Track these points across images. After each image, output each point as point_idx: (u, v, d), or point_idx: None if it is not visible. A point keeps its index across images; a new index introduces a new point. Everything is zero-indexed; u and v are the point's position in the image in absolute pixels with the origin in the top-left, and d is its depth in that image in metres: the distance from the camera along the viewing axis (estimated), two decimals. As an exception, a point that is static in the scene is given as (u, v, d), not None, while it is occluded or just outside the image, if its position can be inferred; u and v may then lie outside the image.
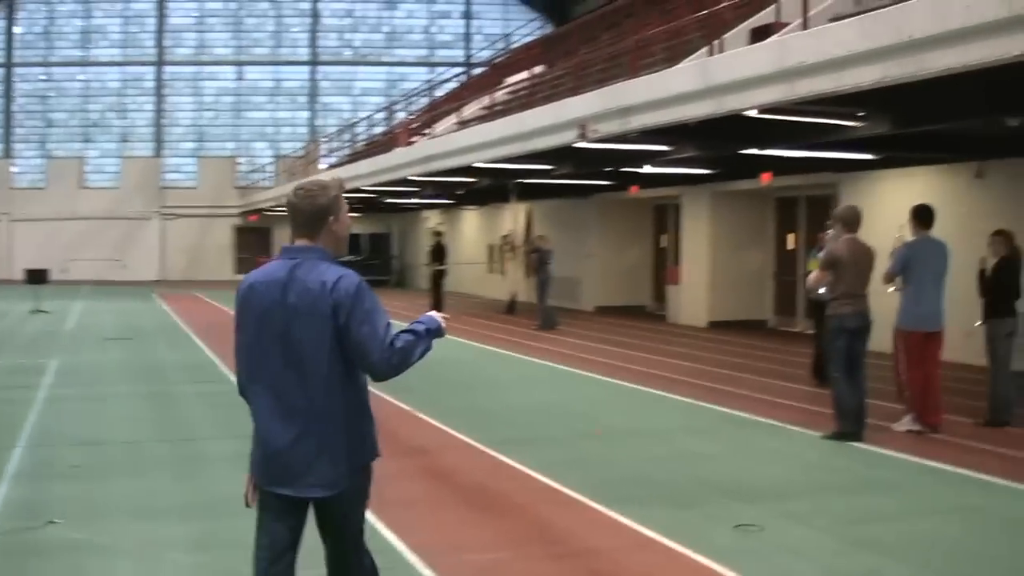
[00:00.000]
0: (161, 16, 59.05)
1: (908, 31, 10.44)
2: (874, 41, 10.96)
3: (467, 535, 8.27)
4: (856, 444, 11.74)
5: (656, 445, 12.12)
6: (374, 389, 5.22)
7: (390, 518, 8.03)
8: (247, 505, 5.25)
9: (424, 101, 44.80)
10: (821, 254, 13.71)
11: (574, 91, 20.11)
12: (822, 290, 12.64)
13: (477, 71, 54.71)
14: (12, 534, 8.12)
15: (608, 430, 12.91)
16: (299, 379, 4.95)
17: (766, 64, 12.90)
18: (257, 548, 5.20)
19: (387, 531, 7.85)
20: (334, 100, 61.95)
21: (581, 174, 25.19)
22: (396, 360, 4.89)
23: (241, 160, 59.68)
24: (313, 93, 61.62)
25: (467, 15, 62.17)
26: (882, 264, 12.66)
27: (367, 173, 32.60)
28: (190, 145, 60.32)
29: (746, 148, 17.15)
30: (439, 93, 47.97)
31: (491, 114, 27.72)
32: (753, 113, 13.69)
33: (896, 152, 17.70)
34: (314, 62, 61.33)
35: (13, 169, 57.07)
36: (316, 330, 4.90)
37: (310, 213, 5.08)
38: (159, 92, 59.71)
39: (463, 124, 29.55)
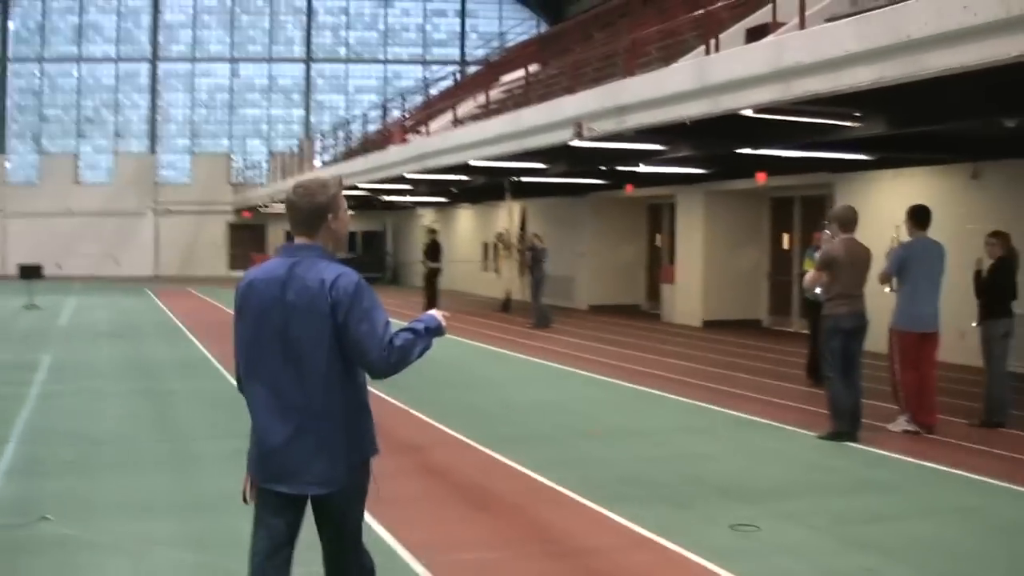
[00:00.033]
0: (156, 12, 58.91)
1: (905, 31, 10.42)
2: (871, 41, 10.95)
3: (463, 534, 8.24)
4: (852, 444, 11.73)
5: (652, 444, 12.10)
6: (368, 387, 5.19)
7: (385, 516, 7.99)
8: (245, 502, 5.24)
9: (419, 99, 44.74)
10: (817, 254, 13.70)
11: (569, 90, 20.07)
12: (818, 290, 12.62)
13: (472, 69, 54.68)
14: (4, 530, 8.07)
15: (604, 429, 12.89)
16: (297, 376, 4.94)
17: (762, 64, 12.89)
18: (254, 543, 5.18)
19: (382, 529, 7.82)
20: (329, 98, 61.87)
21: (576, 173, 25.19)
22: (394, 358, 4.89)
23: (235, 157, 59.65)
24: (308, 90, 61.52)
25: (462, 13, 62.09)
26: (878, 264, 12.65)
27: (362, 171, 32.58)
28: (184, 142, 60.21)
29: (741, 148, 17.14)
30: (434, 91, 47.94)
31: (486, 113, 27.66)
32: (749, 113, 13.67)
33: (892, 153, 17.69)
34: (309, 59, 61.24)
35: (7, 165, 56.96)
36: (315, 328, 4.89)
37: (309, 211, 5.08)
38: (153, 88, 59.59)
39: (458, 122, 29.46)
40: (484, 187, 30.65)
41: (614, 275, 33.73)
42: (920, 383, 12.49)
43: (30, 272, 33.01)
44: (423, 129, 33.25)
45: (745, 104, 13.40)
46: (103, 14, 58.62)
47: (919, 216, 12.75)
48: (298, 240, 5.13)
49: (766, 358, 20.41)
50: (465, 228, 44.88)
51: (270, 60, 60.91)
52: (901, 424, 12.46)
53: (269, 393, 5.03)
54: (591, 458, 11.15)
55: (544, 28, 55.26)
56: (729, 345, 22.77)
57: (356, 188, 33.51)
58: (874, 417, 12.69)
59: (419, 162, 27.10)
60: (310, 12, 60.88)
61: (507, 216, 33.19)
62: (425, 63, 60.83)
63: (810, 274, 12.92)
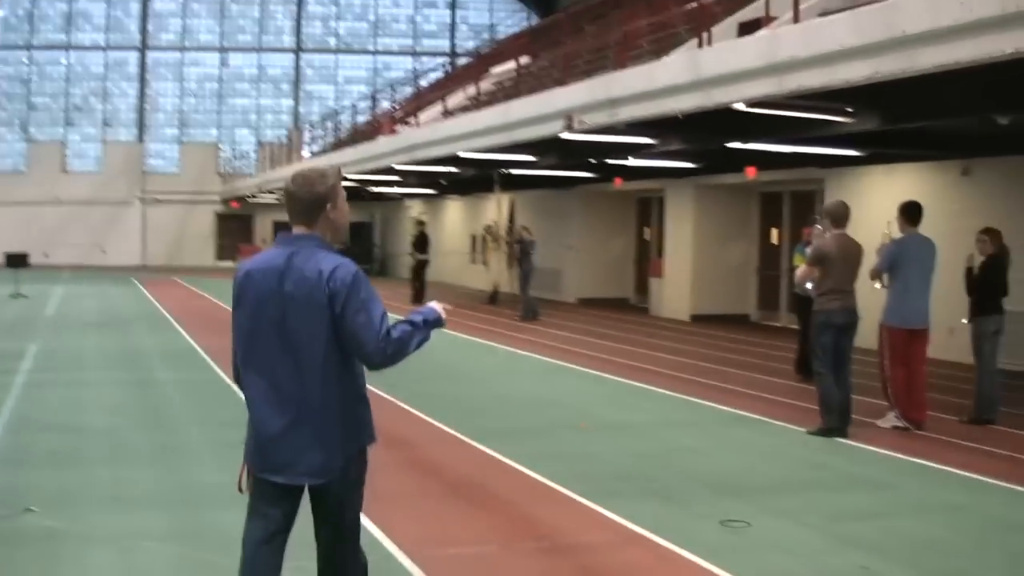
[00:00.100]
0: (145, 1, 58.73)
1: (900, 27, 10.40)
2: (865, 36, 10.93)
3: (455, 529, 8.18)
4: (842, 440, 11.71)
5: (641, 439, 12.06)
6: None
7: (374, 511, 7.89)
8: (240, 491, 5.21)
9: (408, 91, 44.69)
10: (808, 250, 13.66)
11: (559, 83, 20.04)
12: (809, 285, 12.57)
13: (462, 61, 54.61)
14: (-12, 521, 8.01)
15: (593, 423, 12.83)
16: (294, 367, 4.93)
17: (756, 57, 12.86)
18: (248, 531, 5.16)
19: (371, 524, 7.75)
20: (318, 88, 61.77)
21: (566, 165, 25.14)
22: (391, 350, 4.87)
23: (224, 147, 59.52)
24: (297, 81, 61.39)
25: (452, 5, 62.06)
26: (870, 260, 12.61)
27: (351, 161, 32.49)
28: (173, 131, 60.06)
29: (732, 142, 17.09)
30: (423, 83, 47.87)
31: (476, 104, 27.61)
32: (741, 107, 13.63)
33: (883, 149, 17.66)
34: (298, 50, 61.11)
35: (-6, 153, 56.90)
36: (312, 319, 4.88)
37: (308, 201, 5.05)
38: (142, 77, 59.42)
39: (448, 114, 29.43)
40: (473, 179, 30.62)
41: (602, 268, 33.70)
42: (910, 379, 12.47)
43: (17, 261, 32.87)
44: (412, 120, 33.19)
45: (738, 98, 13.37)
46: (92, 2, 58.42)
47: (911, 212, 12.72)
48: (296, 230, 5.11)
49: (755, 353, 20.38)
50: (453, 220, 44.81)
51: (259, 50, 60.80)
52: (891, 420, 12.44)
53: (266, 384, 5.01)
54: (581, 453, 11.11)
55: (535, 20, 55.19)
56: (718, 340, 22.75)
57: (344, 179, 33.38)
58: (864, 413, 12.66)
59: (408, 153, 27.05)
60: (300, 2, 60.77)
61: (496, 208, 33.14)
62: (415, 54, 60.80)
63: (801, 269, 12.87)
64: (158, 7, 59.23)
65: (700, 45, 15.33)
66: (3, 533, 7.70)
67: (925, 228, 12.77)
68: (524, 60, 29.90)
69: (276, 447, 4.99)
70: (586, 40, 27.24)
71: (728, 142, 17.17)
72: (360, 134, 40.40)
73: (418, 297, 31.59)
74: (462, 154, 23.59)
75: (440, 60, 56.56)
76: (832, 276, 11.96)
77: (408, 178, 32.93)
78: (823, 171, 22.14)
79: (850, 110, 13.69)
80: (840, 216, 12.24)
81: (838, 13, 12.29)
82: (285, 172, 42.53)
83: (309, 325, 4.88)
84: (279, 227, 55.01)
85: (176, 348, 19.60)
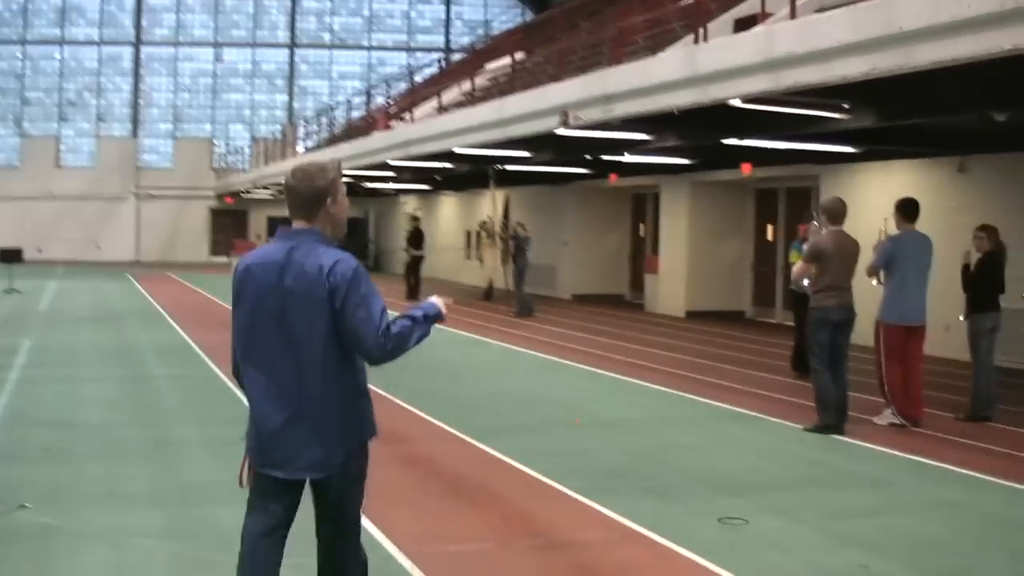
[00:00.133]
0: (139, -5, 58.73)
1: (898, 23, 10.36)
2: (863, 33, 10.89)
3: (450, 526, 8.14)
4: (838, 437, 11.68)
5: (637, 435, 12.02)
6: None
7: (371, 509, 7.80)
8: (241, 485, 5.21)
9: (403, 86, 44.61)
10: (805, 246, 13.64)
11: (554, 78, 20.00)
12: (806, 282, 12.54)
13: (456, 57, 54.56)
14: (-18, 518, 7.96)
15: (588, 419, 12.79)
16: (294, 362, 4.92)
17: (753, 53, 12.82)
18: (248, 524, 5.16)
19: (369, 523, 7.68)
20: (312, 83, 61.69)
21: (561, 161, 25.11)
22: (391, 345, 4.87)
23: (218, 142, 59.45)
24: (291, 76, 61.30)
25: (447, 1, 61.92)
26: (866, 257, 12.58)
27: (345, 157, 32.38)
28: (167, 126, 59.96)
29: (728, 138, 17.06)
30: (418, 78, 47.84)
31: (470, 100, 27.59)
32: (737, 103, 13.60)
33: (878, 145, 17.63)
34: (293, 45, 61.02)
35: (-12, 147, 56.78)
36: (312, 314, 4.87)
37: (308, 195, 5.05)
38: (136, 72, 59.31)
39: (442, 110, 29.36)
40: (468, 175, 30.59)
41: (597, 264, 33.68)
42: (907, 376, 12.44)
43: (10, 256, 32.78)
44: (407, 116, 33.14)
45: (734, 94, 13.33)
46: (86, -4, 58.39)
47: (907, 209, 12.68)
48: (296, 224, 5.09)
49: (750, 349, 20.36)
50: (448, 216, 44.77)
51: (254, 45, 60.70)
52: (887, 417, 12.42)
53: (266, 379, 4.99)
54: (576, 449, 11.07)
55: (529, 16, 55.12)
56: (713, 336, 22.71)
57: (343, 174, 33.36)
58: (860, 410, 12.64)
59: (403, 149, 27.01)
60: (294, -3, 60.71)
61: (491, 204, 33.10)
62: (409, 50, 60.69)
63: (798, 266, 12.84)
64: (152, 2, 59.08)
65: (696, 41, 15.29)
66: (-4, 530, 7.67)
67: (920, 225, 12.74)
68: (519, 56, 29.84)
69: (276, 442, 4.98)
70: (581, 36, 27.18)
71: (724, 138, 17.15)
72: (354, 129, 40.33)
73: (412, 293, 31.57)
74: (457, 150, 23.55)
75: (434, 56, 56.47)
76: (829, 273, 11.93)
77: (402, 174, 32.88)
78: (818, 168, 22.12)
79: (846, 106, 13.65)
80: (837, 213, 12.21)
81: (835, 9, 12.26)
82: (279, 168, 42.52)
83: (309, 320, 4.87)
84: (273, 223, 55.25)
85: (170, 344, 19.54)
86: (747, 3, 19.86)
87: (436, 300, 5.14)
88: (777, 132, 15.84)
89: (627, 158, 22.62)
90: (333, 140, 42.14)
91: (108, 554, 7.23)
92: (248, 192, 50.07)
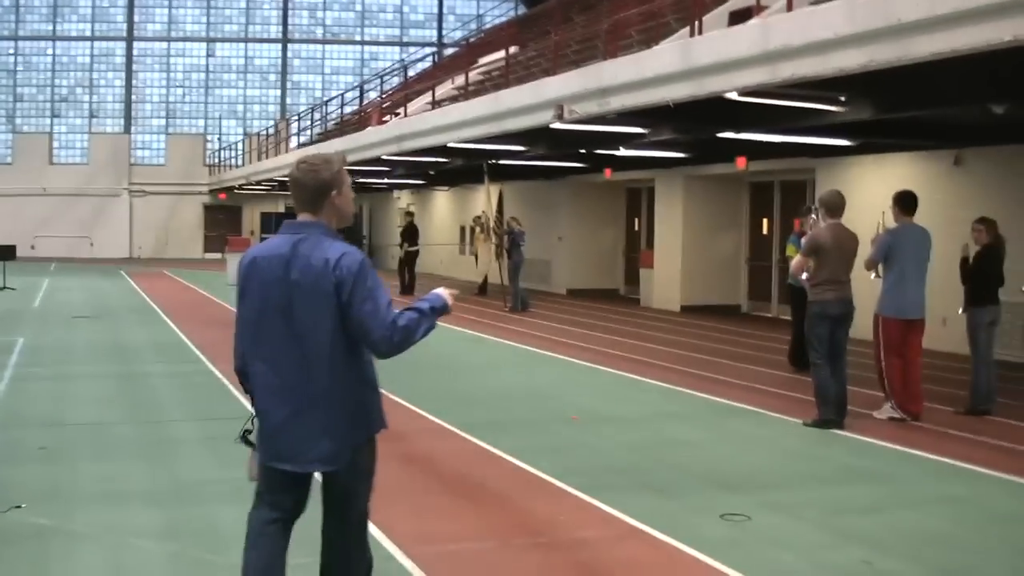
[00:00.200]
0: (131, -9, 58.59)
1: (896, 15, 10.29)
2: (861, 24, 10.81)
3: (449, 524, 8.07)
4: (838, 432, 11.63)
5: (635, 431, 11.96)
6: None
7: (371, 507, 7.83)
8: (250, 479, 5.23)
9: (396, 81, 44.55)
10: (803, 240, 13.58)
11: (548, 72, 19.93)
12: (804, 276, 12.48)
13: (449, 51, 54.48)
14: (-24, 519, 7.88)
15: (586, 415, 12.72)
16: (301, 355, 4.92)
17: (749, 46, 12.74)
18: (253, 514, 5.19)
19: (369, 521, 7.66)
20: (305, 79, 61.61)
21: (555, 156, 25.05)
22: (398, 338, 4.87)
23: (211, 138, 59.35)
24: (284, 71, 61.20)
25: (440, -5, 61.92)
26: (865, 250, 12.53)
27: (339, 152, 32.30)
28: (159, 122, 59.85)
29: (724, 131, 16.98)
30: (411, 73, 47.74)
31: (464, 95, 27.49)
32: (734, 96, 13.52)
33: (874, 138, 17.57)
34: (285, 40, 60.91)
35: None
36: (319, 307, 4.88)
37: (313, 188, 5.05)
38: (129, 68, 59.22)
39: (436, 104, 29.28)
40: (461, 169, 30.50)
41: (592, 259, 33.64)
42: (906, 370, 12.39)
43: (3, 253, 32.64)
44: (401, 111, 33.06)
45: (731, 87, 13.25)
46: (78, -8, 58.26)
47: (905, 202, 12.63)
48: (301, 217, 5.09)
49: (747, 344, 20.31)
50: (442, 211, 44.71)
51: (246, 40, 60.60)
52: (887, 411, 12.37)
53: (272, 372, 5.00)
54: (574, 445, 11.02)
55: (522, 10, 55.04)
56: (709, 330, 22.67)
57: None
58: (859, 404, 12.59)
59: (397, 143, 26.93)
60: (287, -8, 60.60)
61: (485, 199, 33.04)
62: (402, 44, 60.61)
63: (796, 260, 12.79)
64: (144, -3, 59.06)
65: (692, 34, 15.21)
66: (-9, 531, 7.59)
67: (917, 218, 12.68)
68: (512, 50, 29.76)
69: (284, 435, 4.99)
70: (575, 30, 27.11)
71: (720, 132, 17.07)
72: (348, 125, 40.24)
73: (407, 288, 31.51)
74: (452, 144, 23.49)
75: (428, 50, 56.41)
76: (827, 267, 11.88)
77: (396, 168, 32.81)
78: (814, 161, 22.09)
79: (843, 99, 13.59)
80: (835, 206, 12.15)
81: (832, 1, 12.18)
82: (272, 163, 42.45)
83: (315, 313, 4.87)
84: (267, 218, 55.24)
85: (165, 341, 19.46)
86: (742, -5, 19.78)
87: (441, 292, 5.14)
88: (773, 125, 15.77)
89: (622, 152, 22.54)
90: (327, 135, 42.04)
91: (105, 555, 7.16)
92: (242, 188, 49.95)
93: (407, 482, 9.32)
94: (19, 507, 8.09)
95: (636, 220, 32.84)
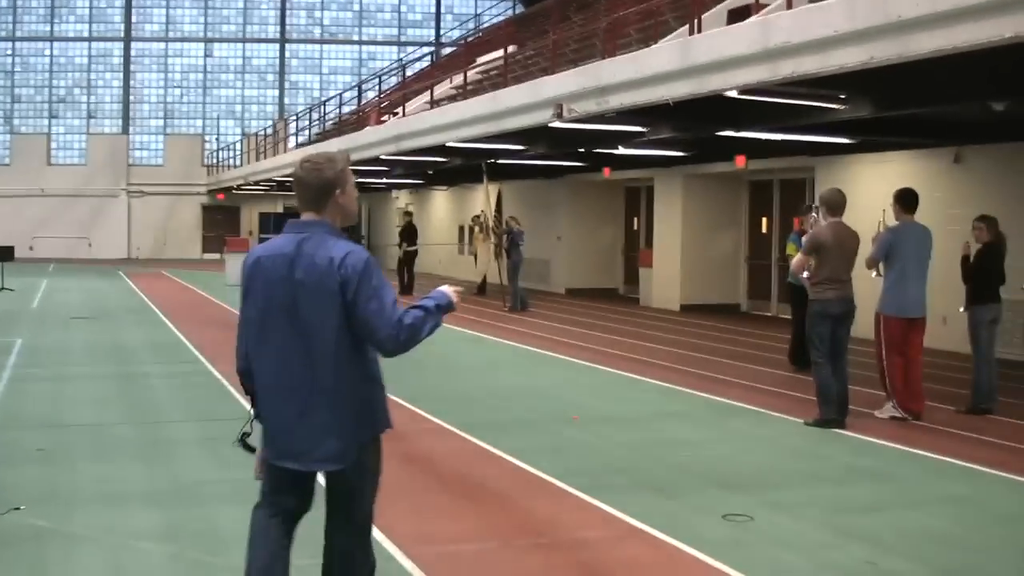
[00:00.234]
0: (129, -9, 58.54)
1: (896, 11, 10.25)
2: (861, 21, 10.77)
3: (450, 524, 8.04)
4: (839, 431, 11.59)
5: (636, 431, 11.92)
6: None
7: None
8: (256, 477, 5.24)
9: (394, 80, 44.51)
10: (804, 239, 13.54)
11: (546, 72, 19.89)
12: (805, 275, 12.43)
13: (447, 51, 54.44)
14: (-26, 521, 7.83)
15: (586, 415, 12.68)
16: (306, 354, 4.91)
17: (749, 44, 12.68)
18: (257, 512, 5.18)
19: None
20: (303, 79, 61.56)
21: (554, 155, 25.01)
22: (404, 337, 4.86)
23: (209, 138, 59.31)
24: (282, 71, 61.15)
25: (438, -6, 61.89)
26: (866, 249, 12.49)
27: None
28: (157, 123, 59.80)
29: (723, 130, 16.95)
30: (409, 73, 47.70)
31: (462, 94, 27.45)
32: (734, 94, 13.48)
33: (874, 136, 17.53)
34: (283, 40, 60.87)
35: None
36: (324, 306, 4.86)
37: (317, 186, 5.04)
38: (127, 69, 59.16)
39: (434, 104, 29.24)
40: (460, 169, 30.47)
41: (591, 258, 33.61)
42: (907, 369, 12.34)
43: (2, 254, 32.59)
44: (399, 111, 33.02)
45: (731, 85, 13.21)
46: (75, -7, 58.20)
47: (906, 200, 12.59)
48: (305, 216, 5.07)
49: (747, 343, 20.27)
50: (441, 211, 44.67)
51: (244, 40, 60.53)
52: (888, 410, 12.33)
53: (278, 371, 4.99)
54: (575, 445, 10.98)
55: (520, 9, 55.00)
56: (708, 330, 22.64)
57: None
58: (860, 403, 12.55)
59: (395, 143, 26.89)
60: (284, -8, 60.56)
61: (484, 198, 33.02)
62: (400, 44, 60.57)
63: (797, 258, 12.74)
64: (141, -2, 59.00)
65: (691, 32, 15.17)
66: (-11, 533, 7.55)
67: (916, 216, 12.64)
68: (511, 49, 29.73)
69: (290, 434, 4.99)
70: (573, 29, 27.08)
71: (719, 130, 17.04)
72: (346, 124, 40.19)
73: (405, 288, 31.47)
74: (450, 144, 23.45)
75: (426, 50, 56.38)
76: (828, 265, 11.83)
77: (395, 168, 32.77)
78: (813, 159, 22.06)
79: (843, 97, 13.55)
80: (836, 204, 12.11)
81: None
82: (271, 163, 42.41)
83: (320, 312, 4.86)
84: (265, 218, 55.18)
85: (164, 341, 19.42)
86: (741, -6, 19.73)
87: (446, 289, 5.12)
88: (772, 123, 15.74)
89: (621, 151, 22.50)
90: (325, 135, 41.99)
91: (104, 556, 7.12)
92: (240, 188, 49.90)
93: (407, 482, 9.28)
94: (18, 509, 8.05)
95: (635, 219, 32.82)
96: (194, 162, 57.95)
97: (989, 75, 11.52)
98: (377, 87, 43.18)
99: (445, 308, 5.03)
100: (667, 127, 17.49)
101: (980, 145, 18.26)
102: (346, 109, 45.05)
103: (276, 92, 61.05)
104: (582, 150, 23.05)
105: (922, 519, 8.32)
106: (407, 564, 6.92)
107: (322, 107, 46.19)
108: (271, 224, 53.05)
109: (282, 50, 60.94)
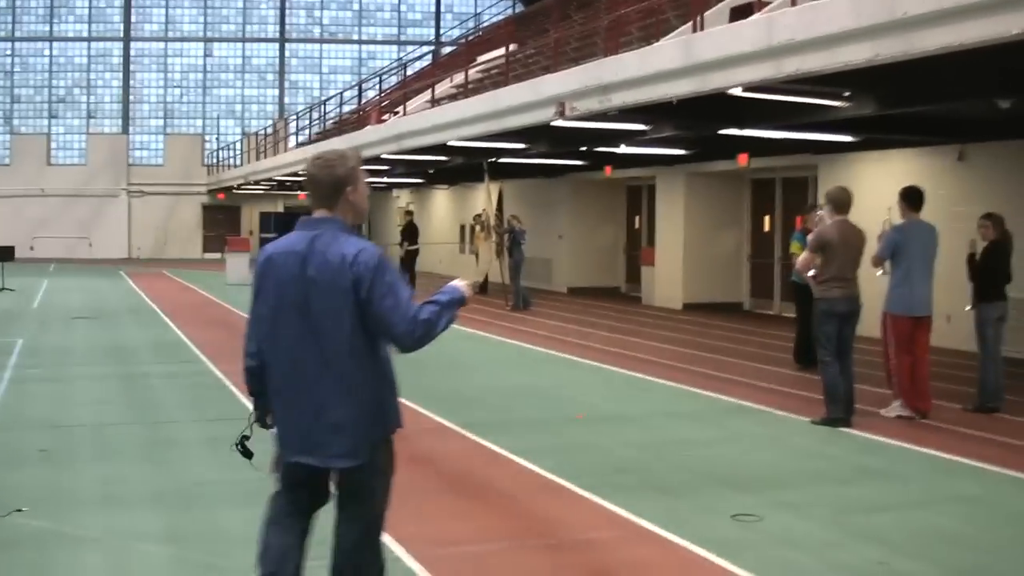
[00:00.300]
0: (128, -9, 58.50)
1: (902, 8, 10.20)
2: (866, 18, 10.73)
3: (457, 525, 7.98)
4: (847, 430, 11.53)
5: (642, 430, 11.86)
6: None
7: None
8: (269, 472, 5.25)
9: (394, 80, 44.47)
10: (809, 237, 13.48)
11: (547, 70, 19.84)
12: (811, 273, 12.36)
13: (447, 50, 54.40)
14: (-24, 523, 7.78)
15: (591, 414, 12.63)
16: (319, 352, 4.89)
17: (753, 41, 12.64)
18: (272, 505, 5.20)
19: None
20: (303, 78, 61.53)
21: (556, 153, 24.95)
22: (420, 332, 4.86)
23: (209, 138, 59.26)
24: (282, 71, 61.11)
25: (437, -7, 61.84)
26: (872, 247, 12.43)
27: (338, 151, 32.16)
28: (157, 122, 59.76)
29: (726, 128, 16.90)
30: (409, 72, 47.66)
31: (463, 93, 27.42)
32: (737, 92, 13.43)
33: (878, 134, 17.47)
34: (283, 39, 60.82)
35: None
36: (337, 303, 4.84)
37: (328, 184, 5.03)
38: (126, 69, 59.12)
39: (435, 103, 29.20)
40: (461, 168, 30.42)
41: (593, 257, 33.56)
42: (914, 368, 12.28)
43: (2, 254, 32.57)
44: (400, 110, 32.98)
45: (735, 82, 13.16)
46: (75, -8, 58.17)
47: (912, 198, 12.53)
48: (317, 213, 5.06)
49: (750, 342, 20.20)
50: (442, 210, 44.61)
51: (244, 40, 60.49)
52: (895, 409, 12.26)
53: (290, 368, 4.97)
54: (581, 445, 10.91)
55: (520, 8, 54.96)
56: (712, 328, 22.58)
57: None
58: (867, 402, 12.49)
59: (396, 142, 26.84)
60: (284, -8, 60.52)
61: (485, 197, 32.98)
62: (400, 43, 60.53)
63: (802, 257, 12.66)
64: (140, -3, 58.96)
65: (694, 30, 15.12)
66: (-8, 535, 7.49)
67: (921, 214, 12.57)
68: (511, 47, 29.70)
69: (305, 432, 4.97)
70: (574, 27, 27.04)
71: (722, 128, 16.98)
72: (347, 124, 40.15)
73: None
74: (452, 143, 23.40)
75: (425, 49, 56.35)
76: (834, 264, 11.76)
77: (395, 167, 32.72)
78: (816, 157, 21.98)
79: (847, 94, 13.49)
80: (842, 202, 12.04)
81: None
82: (271, 163, 42.36)
83: (333, 310, 4.84)
84: (266, 218, 55.13)
85: (165, 341, 19.38)
86: (744, -9, 19.68)
87: (458, 283, 5.13)
88: (776, 121, 15.69)
89: (623, 150, 22.46)
90: (325, 134, 41.95)
91: (107, 559, 7.07)
92: (240, 188, 49.85)
93: (411, 483, 9.19)
94: (20, 511, 7.99)
95: (637, 218, 32.75)
96: (194, 162, 57.91)
97: (995, 72, 11.46)
98: (377, 86, 43.14)
99: (458, 303, 5.04)
100: (669, 125, 17.45)
101: (984, 143, 18.19)
102: (346, 108, 44.99)
103: (276, 92, 61.03)
104: (584, 149, 22.99)
105: (931, 518, 8.26)
106: (413, 565, 6.86)
107: (322, 106, 46.16)
108: (272, 223, 53.01)
109: (282, 49, 60.91)
